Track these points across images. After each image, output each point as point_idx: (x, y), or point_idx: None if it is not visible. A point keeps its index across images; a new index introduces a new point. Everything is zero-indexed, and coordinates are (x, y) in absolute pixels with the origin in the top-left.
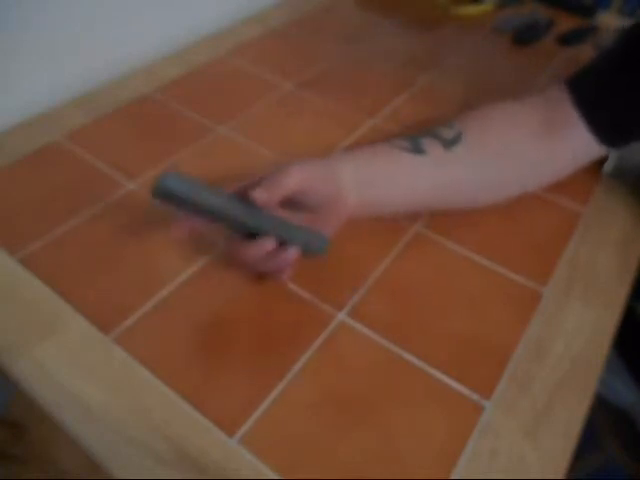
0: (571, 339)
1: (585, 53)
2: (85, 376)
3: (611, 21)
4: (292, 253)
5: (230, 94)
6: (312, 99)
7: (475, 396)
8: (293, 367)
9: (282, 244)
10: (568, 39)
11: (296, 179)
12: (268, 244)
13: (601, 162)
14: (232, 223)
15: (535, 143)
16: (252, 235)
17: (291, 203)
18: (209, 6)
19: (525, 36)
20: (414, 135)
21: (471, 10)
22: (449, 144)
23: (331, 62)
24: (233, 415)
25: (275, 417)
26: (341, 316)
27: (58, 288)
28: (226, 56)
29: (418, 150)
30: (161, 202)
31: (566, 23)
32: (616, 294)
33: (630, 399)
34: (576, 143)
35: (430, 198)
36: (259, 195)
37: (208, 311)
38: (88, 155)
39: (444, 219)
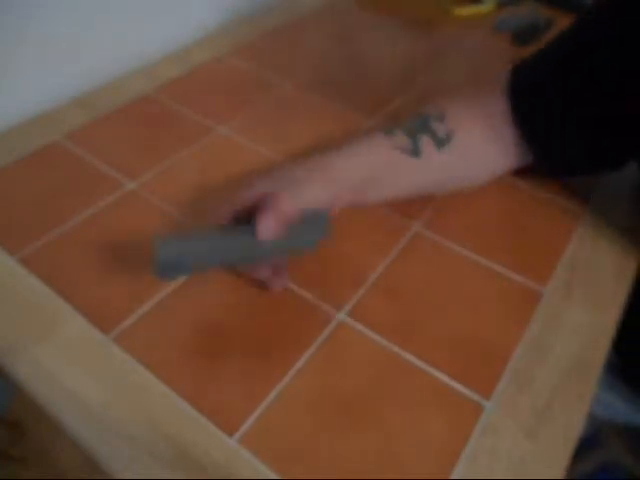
0: (571, 339)
1: None
2: (85, 376)
3: None
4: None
5: (230, 94)
6: (312, 99)
7: (475, 396)
8: (293, 367)
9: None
10: None
11: (290, 206)
12: (264, 272)
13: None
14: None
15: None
16: None
17: None
18: (209, 6)
19: (525, 36)
20: (413, 128)
21: (471, 10)
22: (440, 144)
23: (331, 62)
24: (233, 415)
25: (275, 417)
26: (341, 316)
27: (58, 288)
28: (226, 56)
29: (417, 152)
30: (166, 274)
31: (566, 23)
32: (616, 294)
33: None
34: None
35: (414, 194)
36: (265, 230)
37: (208, 311)
38: (88, 155)
39: (444, 219)
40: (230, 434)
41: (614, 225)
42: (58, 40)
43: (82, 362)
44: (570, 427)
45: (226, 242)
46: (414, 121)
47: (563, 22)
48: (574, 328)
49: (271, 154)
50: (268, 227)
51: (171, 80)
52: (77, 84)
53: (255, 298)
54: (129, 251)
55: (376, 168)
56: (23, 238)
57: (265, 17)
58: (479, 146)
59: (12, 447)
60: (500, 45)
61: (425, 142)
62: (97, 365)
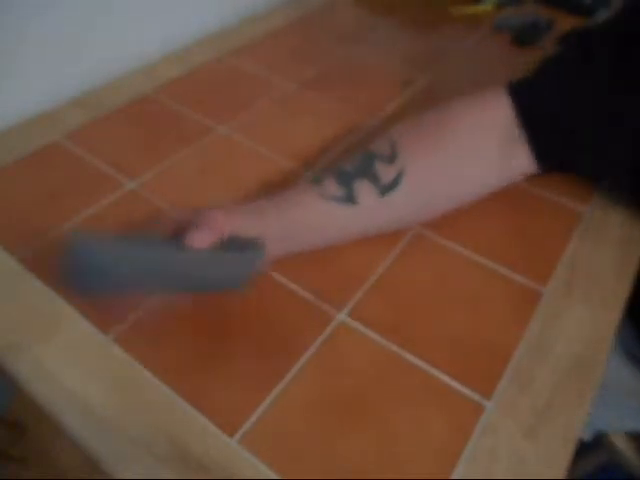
0: (571, 339)
1: None
2: (85, 376)
3: None
4: None
5: (230, 94)
6: (312, 99)
7: (476, 396)
8: (293, 367)
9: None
10: None
11: (222, 222)
12: None
13: None
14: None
15: (489, 169)
16: None
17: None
18: (209, 6)
19: (525, 36)
20: (348, 174)
21: (471, 10)
22: (386, 190)
23: (331, 62)
24: (233, 415)
25: (275, 417)
26: (341, 316)
27: (58, 288)
28: (226, 56)
29: (350, 199)
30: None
31: (566, 23)
32: (616, 294)
33: None
34: (521, 163)
35: (362, 236)
36: (197, 240)
37: (208, 311)
38: (88, 155)
39: (444, 219)
40: (230, 434)
41: (614, 225)
42: (58, 40)
43: (82, 362)
44: (570, 427)
45: (151, 252)
46: (355, 163)
47: (563, 22)
48: (574, 328)
49: (271, 154)
50: (201, 236)
51: (171, 80)
52: (77, 84)
53: (255, 298)
54: None
55: (300, 220)
56: (23, 238)
57: (265, 17)
58: (449, 171)
59: (12, 447)
60: (500, 45)
61: (364, 188)
62: (97, 365)
